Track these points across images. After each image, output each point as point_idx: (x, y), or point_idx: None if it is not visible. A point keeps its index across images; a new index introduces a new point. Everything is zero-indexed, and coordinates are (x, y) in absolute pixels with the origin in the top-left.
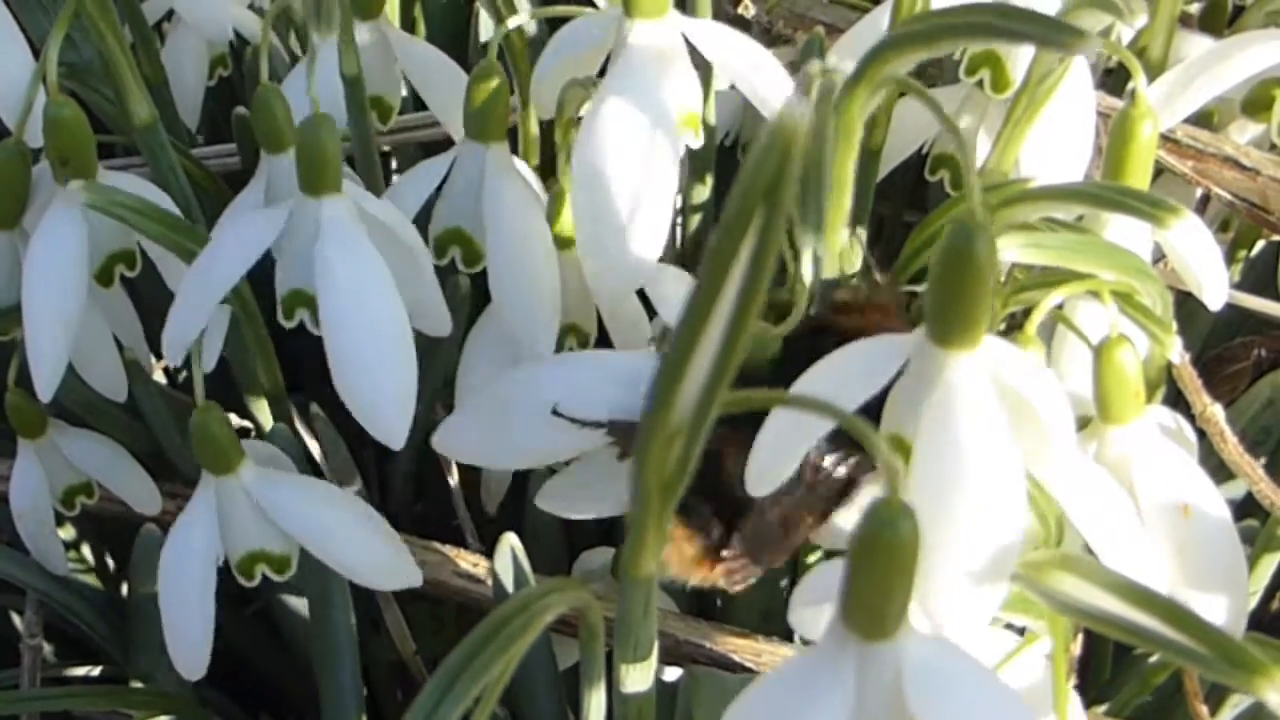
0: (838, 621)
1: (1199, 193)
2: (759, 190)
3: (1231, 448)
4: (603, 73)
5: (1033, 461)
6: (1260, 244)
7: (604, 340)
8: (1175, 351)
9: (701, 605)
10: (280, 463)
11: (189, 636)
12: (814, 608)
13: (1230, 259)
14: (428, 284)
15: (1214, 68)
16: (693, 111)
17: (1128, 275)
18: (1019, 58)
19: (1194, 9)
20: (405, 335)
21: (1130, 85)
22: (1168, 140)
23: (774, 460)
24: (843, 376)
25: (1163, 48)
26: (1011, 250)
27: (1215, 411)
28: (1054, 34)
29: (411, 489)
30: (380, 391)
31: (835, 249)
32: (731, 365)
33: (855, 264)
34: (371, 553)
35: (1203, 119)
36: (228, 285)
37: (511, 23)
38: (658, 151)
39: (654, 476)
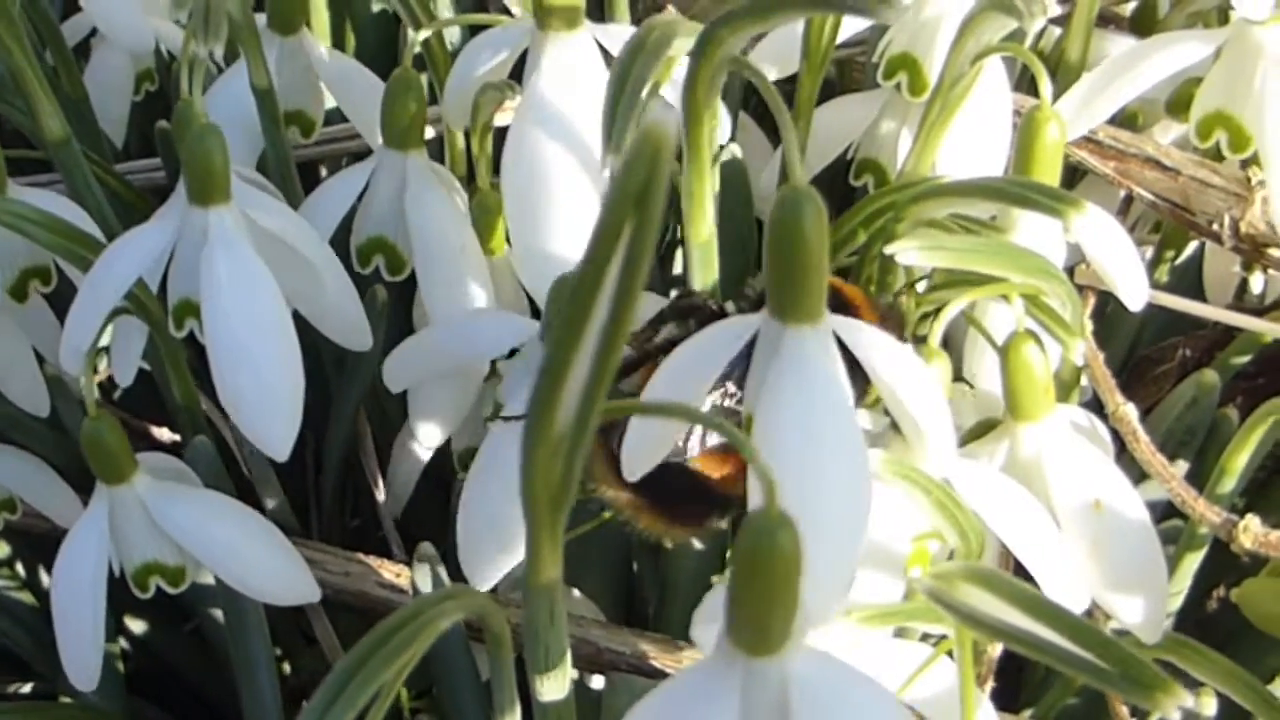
0: (724, 636)
1: (1122, 194)
2: (629, 198)
3: (1144, 447)
4: (516, 77)
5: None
6: (1192, 245)
7: None
8: (1078, 352)
9: (630, 614)
10: (186, 477)
11: (80, 645)
12: (715, 624)
13: (1158, 260)
14: (338, 296)
15: (1131, 69)
16: None
17: (1033, 276)
18: (936, 60)
19: (1128, 9)
20: (290, 347)
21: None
22: (1090, 142)
23: (643, 452)
24: (695, 360)
25: (1080, 50)
26: (912, 253)
27: (1127, 411)
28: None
29: (342, 502)
30: (263, 402)
31: (702, 235)
32: (609, 372)
33: None
34: (267, 567)
35: (1127, 120)
36: (119, 293)
37: (426, 31)
38: (581, 157)
39: (541, 488)
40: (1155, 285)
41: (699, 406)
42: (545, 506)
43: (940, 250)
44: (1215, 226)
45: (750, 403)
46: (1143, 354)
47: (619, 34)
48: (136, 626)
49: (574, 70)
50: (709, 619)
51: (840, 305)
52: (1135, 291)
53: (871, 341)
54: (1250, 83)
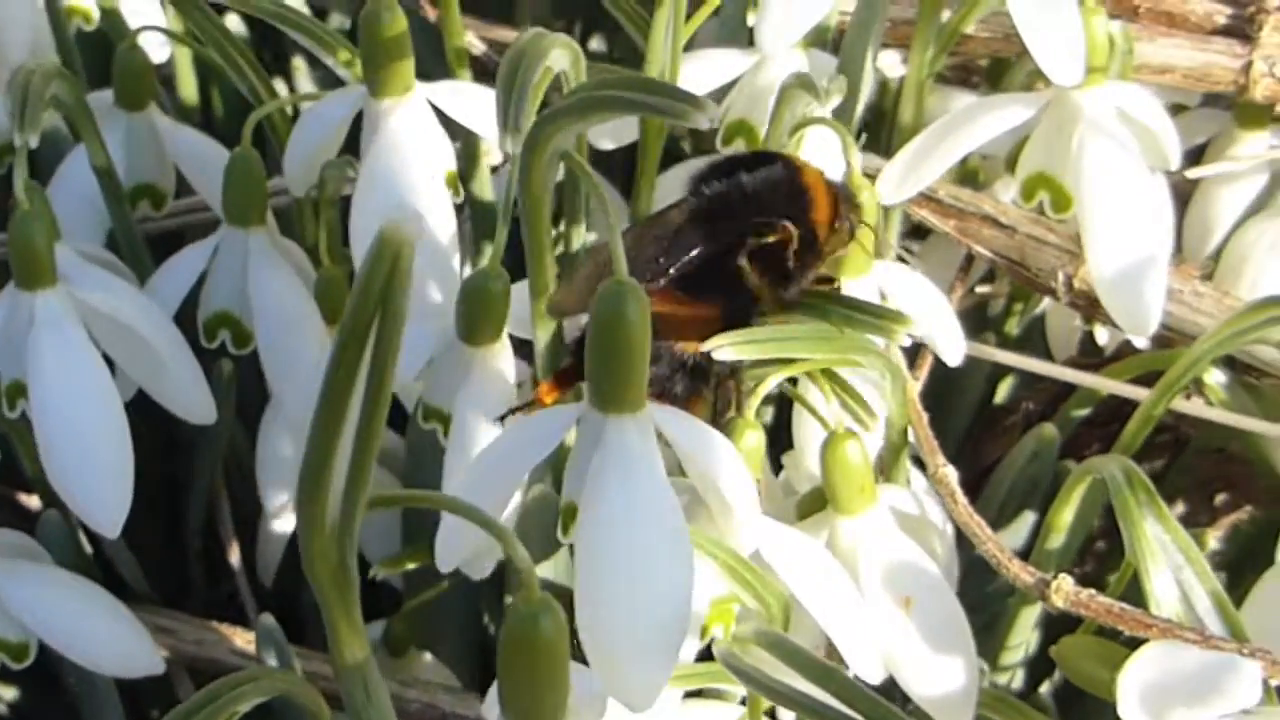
0: None
1: (964, 251)
2: (373, 297)
3: (961, 509)
4: (352, 149)
5: (724, 527)
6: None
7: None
8: (876, 433)
9: (485, 678)
10: (40, 553)
11: None
12: None
13: (1008, 312)
14: (178, 372)
15: (956, 133)
16: (450, 170)
17: (847, 354)
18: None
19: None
20: (118, 428)
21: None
22: (930, 200)
23: (456, 545)
24: (516, 447)
25: (913, 112)
26: (726, 350)
27: (947, 473)
28: (678, 106)
29: (213, 569)
30: (90, 483)
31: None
32: (369, 461)
33: None
34: (107, 641)
35: (968, 177)
36: None
37: (262, 112)
38: (426, 215)
39: (324, 574)
40: (1005, 337)
41: (511, 496)
42: (332, 589)
43: (753, 344)
44: (1051, 283)
45: (573, 491)
46: (994, 407)
47: (451, 92)
48: (8, 693)
49: (408, 134)
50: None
51: (795, 186)
52: (953, 350)
53: (684, 428)
54: (1069, 145)
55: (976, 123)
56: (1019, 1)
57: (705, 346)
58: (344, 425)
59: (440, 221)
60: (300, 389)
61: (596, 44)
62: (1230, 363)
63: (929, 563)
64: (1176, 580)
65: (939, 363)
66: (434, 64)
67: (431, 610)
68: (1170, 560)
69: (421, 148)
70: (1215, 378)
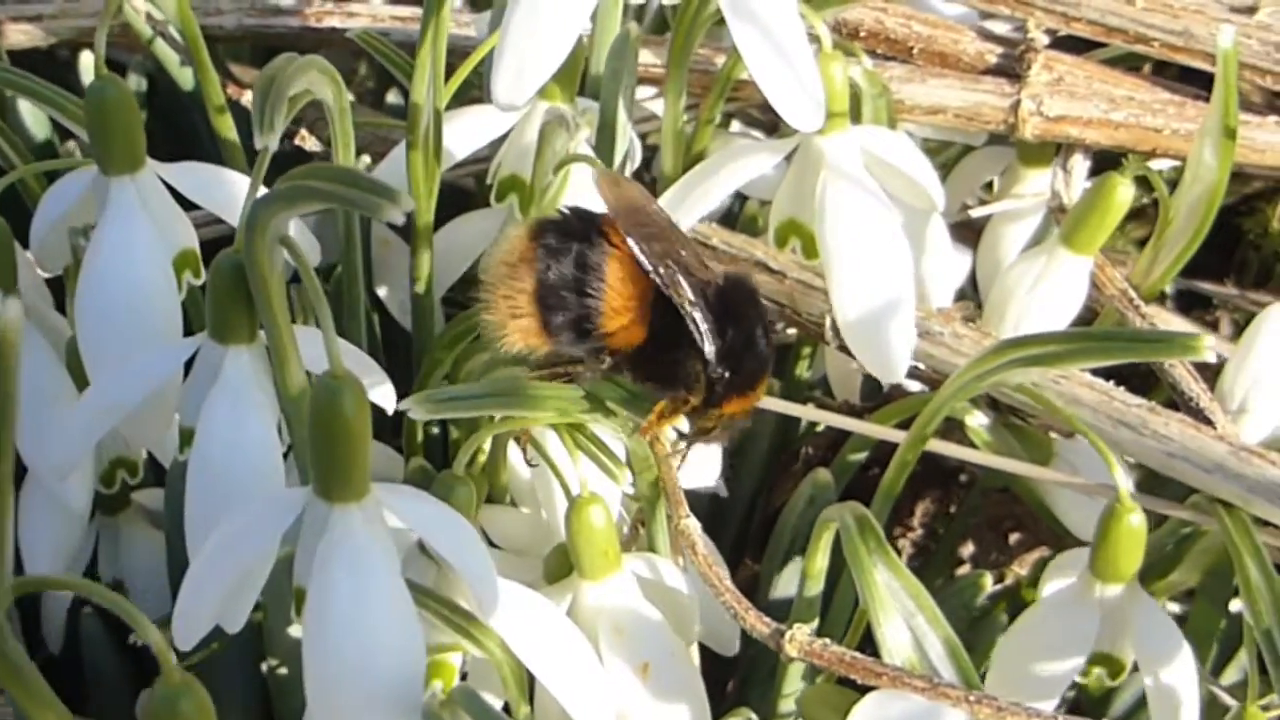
0: None
1: None
2: None
3: (701, 560)
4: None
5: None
6: None
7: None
8: (625, 484)
9: None
10: None
11: None
12: None
13: (797, 355)
14: None
15: (707, 181)
16: (187, 249)
17: (571, 413)
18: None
19: None
20: None
21: None
22: (705, 246)
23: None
24: (240, 535)
25: (672, 160)
26: (419, 410)
27: (689, 525)
28: (373, 201)
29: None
30: None
31: (292, 390)
32: (5, 541)
33: None
34: None
35: (748, 222)
36: None
37: (9, 180)
38: (149, 291)
39: None
40: (795, 380)
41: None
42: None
43: (452, 402)
44: (820, 327)
45: (302, 576)
46: (788, 451)
47: (186, 171)
48: None
49: (134, 212)
50: None
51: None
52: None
53: (414, 508)
54: (814, 191)
55: (727, 169)
56: (752, 51)
57: (401, 406)
58: None
59: (160, 300)
60: (54, 463)
61: (394, 97)
62: (995, 404)
63: (668, 631)
64: (908, 627)
65: None
66: None
67: (208, 670)
68: (901, 607)
69: (147, 225)
70: (978, 420)
